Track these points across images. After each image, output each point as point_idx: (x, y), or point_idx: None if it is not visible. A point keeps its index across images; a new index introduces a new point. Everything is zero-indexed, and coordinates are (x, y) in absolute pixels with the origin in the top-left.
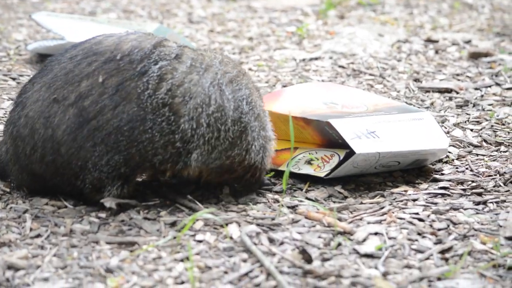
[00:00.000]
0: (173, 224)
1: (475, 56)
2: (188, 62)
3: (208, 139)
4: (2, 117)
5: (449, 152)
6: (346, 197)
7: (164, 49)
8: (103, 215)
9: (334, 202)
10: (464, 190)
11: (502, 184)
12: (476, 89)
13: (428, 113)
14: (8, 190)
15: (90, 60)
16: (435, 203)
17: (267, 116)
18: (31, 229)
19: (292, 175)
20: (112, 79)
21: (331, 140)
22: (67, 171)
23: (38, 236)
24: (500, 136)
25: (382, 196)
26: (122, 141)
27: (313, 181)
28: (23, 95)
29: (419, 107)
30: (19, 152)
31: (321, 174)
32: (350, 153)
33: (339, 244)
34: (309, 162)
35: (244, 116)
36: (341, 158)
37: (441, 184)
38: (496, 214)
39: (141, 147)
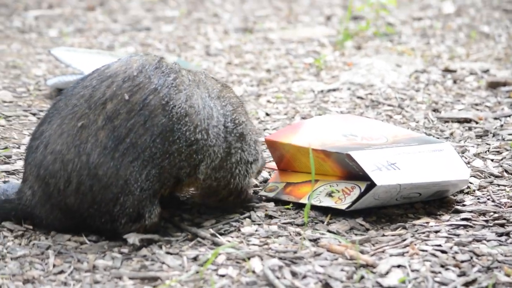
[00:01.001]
0: (195, 259)
1: (493, 86)
2: (187, 76)
3: (212, 151)
4: (24, 153)
5: (470, 183)
6: (367, 230)
7: (167, 63)
8: (125, 250)
9: (356, 234)
10: (486, 221)
11: None
12: (495, 118)
13: (448, 144)
14: (30, 227)
15: (107, 83)
16: (458, 235)
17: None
18: (54, 266)
19: (313, 207)
20: (136, 96)
21: (351, 172)
22: (106, 196)
23: (62, 272)
24: None
25: (404, 228)
26: (156, 153)
27: (334, 213)
28: (40, 137)
29: (438, 138)
30: (50, 190)
31: (342, 206)
32: (371, 185)
33: (362, 277)
34: (330, 194)
35: (228, 135)
36: (362, 190)
37: (463, 215)
38: None
39: (172, 159)
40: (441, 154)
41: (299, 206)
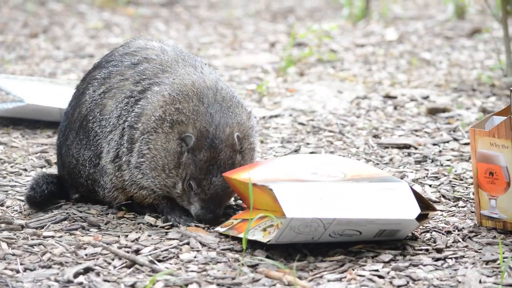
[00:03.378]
0: (133, 286)
1: (433, 112)
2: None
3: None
4: None
5: None
6: (306, 255)
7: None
8: (61, 278)
9: (294, 260)
10: (423, 246)
11: (460, 240)
12: (434, 144)
13: (405, 184)
14: None
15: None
16: (395, 260)
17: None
18: None
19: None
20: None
21: None
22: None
23: None
24: (458, 192)
25: (342, 254)
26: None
27: None
28: None
29: (377, 164)
30: None
31: (265, 239)
32: None
33: None
34: (264, 229)
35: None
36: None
37: (401, 240)
38: (455, 270)
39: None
40: (390, 193)
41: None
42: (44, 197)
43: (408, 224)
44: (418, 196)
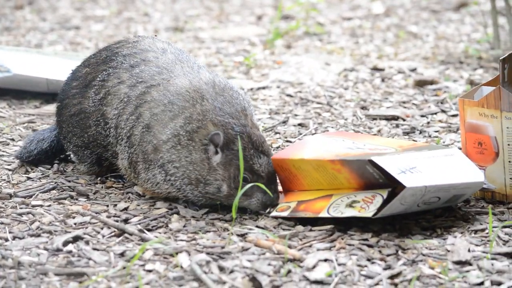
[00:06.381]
0: (122, 254)
1: (420, 84)
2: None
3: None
4: None
5: None
6: (295, 224)
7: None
8: (50, 246)
9: (283, 229)
10: (411, 215)
11: (449, 209)
12: (422, 116)
13: (457, 149)
14: None
15: None
16: (384, 229)
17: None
18: None
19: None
20: None
21: (370, 181)
22: None
23: None
24: None
25: (331, 223)
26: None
27: None
28: None
29: (368, 132)
30: None
31: (368, 214)
32: (393, 191)
33: (289, 271)
34: (350, 205)
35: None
36: (385, 197)
37: None
38: (444, 239)
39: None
40: (453, 158)
41: (315, 220)
42: (34, 156)
43: (476, 187)
44: None
